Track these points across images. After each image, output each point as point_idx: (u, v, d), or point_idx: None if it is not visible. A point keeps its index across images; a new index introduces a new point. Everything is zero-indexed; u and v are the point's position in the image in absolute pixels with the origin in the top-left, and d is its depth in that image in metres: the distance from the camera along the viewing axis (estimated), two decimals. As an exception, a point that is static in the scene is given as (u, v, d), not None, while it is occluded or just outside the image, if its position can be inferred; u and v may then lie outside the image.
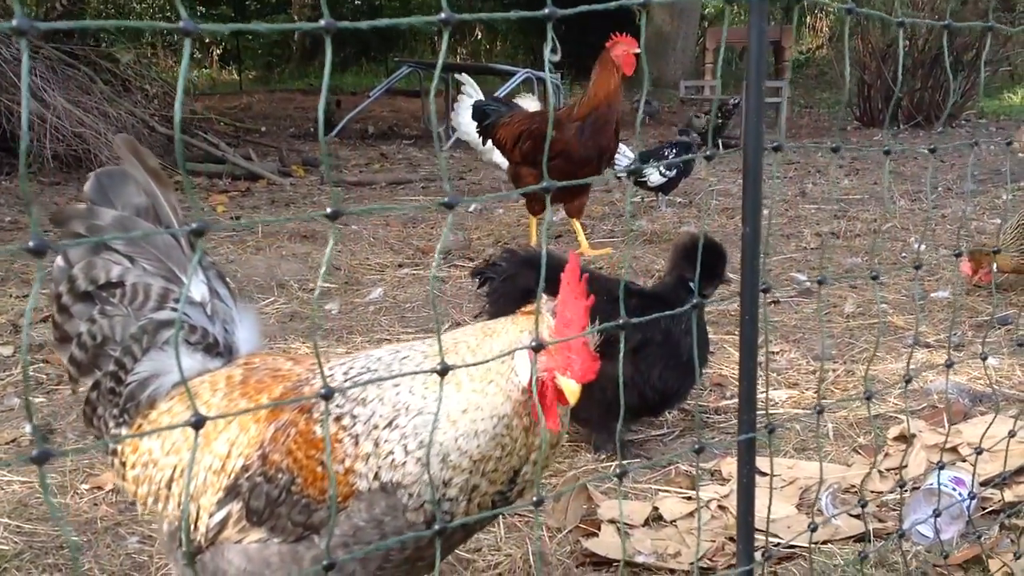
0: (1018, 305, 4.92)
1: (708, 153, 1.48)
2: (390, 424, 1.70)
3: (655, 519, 2.83)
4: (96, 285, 1.99)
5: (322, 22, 1.03)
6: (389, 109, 15.97)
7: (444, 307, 5.06)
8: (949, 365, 2.06)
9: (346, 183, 9.34)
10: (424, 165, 10.73)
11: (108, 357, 1.99)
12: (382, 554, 1.73)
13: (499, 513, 1.80)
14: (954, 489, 2.63)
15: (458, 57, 26.58)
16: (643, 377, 3.14)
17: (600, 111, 5.92)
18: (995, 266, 4.73)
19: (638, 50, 5.73)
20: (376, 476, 1.68)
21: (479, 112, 6.73)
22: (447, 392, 1.69)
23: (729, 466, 3.04)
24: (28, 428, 3.41)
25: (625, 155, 6.87)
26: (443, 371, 1.27)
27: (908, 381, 1.94)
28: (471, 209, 7.75)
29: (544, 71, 1.34)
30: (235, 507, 1.79)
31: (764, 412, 1.66)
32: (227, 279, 2.16)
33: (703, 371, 3.44)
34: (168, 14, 22.14)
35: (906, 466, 3.00)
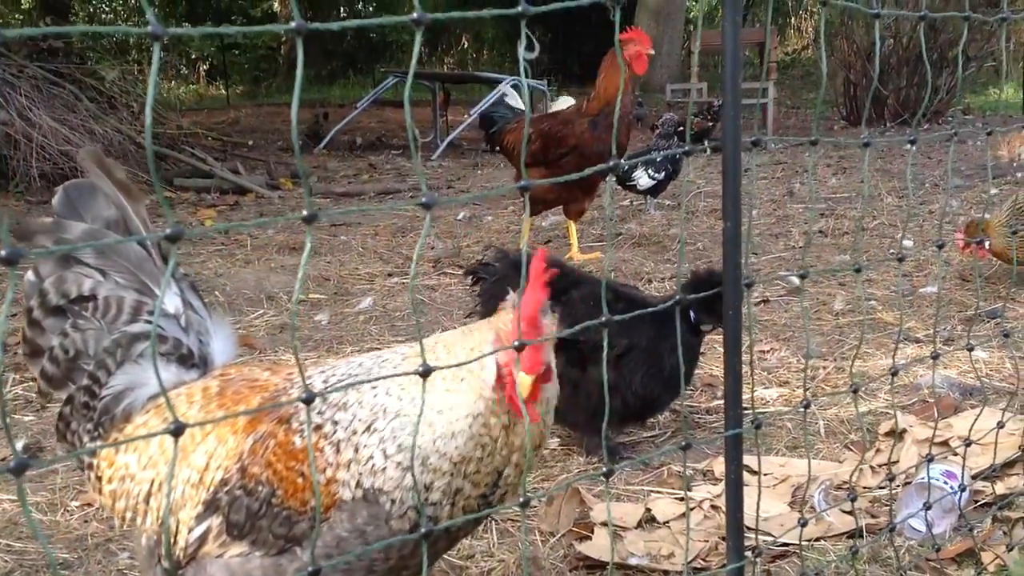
0: (1005, 298, 4.93)
1: (687, 148, 1.47)
2: (369, 428, 1.69)
3: (648, 521, 2.83)
4: (68, 299, 1.98)
5: (293, 23, 1.03)
6: (377, 120, 15.96)
7: (435, 314, 5.05)
8: (935, 357, 2.06)
9: (334, 194, 9.33)
10: (413, 175, 10.73)
11: (81, 371, 1.98)
12: (366, 564, 1.72)
13: (483, 517, 1.79)
14: (946, 482, 2.63)
15: (444, 67, 26.60)
16: (625, 382, 3.13)
17: (611, 107, 5.84)
18: (988, 243, 4.70)
19: (652, 51, 5.72)
20: (358, 483, 1.67)
21: (487, 120, 6.74)
22: (420, 393, 1.68)
23: (721, 466, 3.04)
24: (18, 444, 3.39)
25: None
26: (425, 373, 1.27)
27: (895, 374, 1.94)
28: (460, 217, 7.75)
29: (521, 71, 1.33)
30: (215, 521, 1.77)
31: (750, 408, 1.65)
32: (200, 290, 2.15)
33: (687, 387, 3.45)
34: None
35: (897, 461, 3.00)
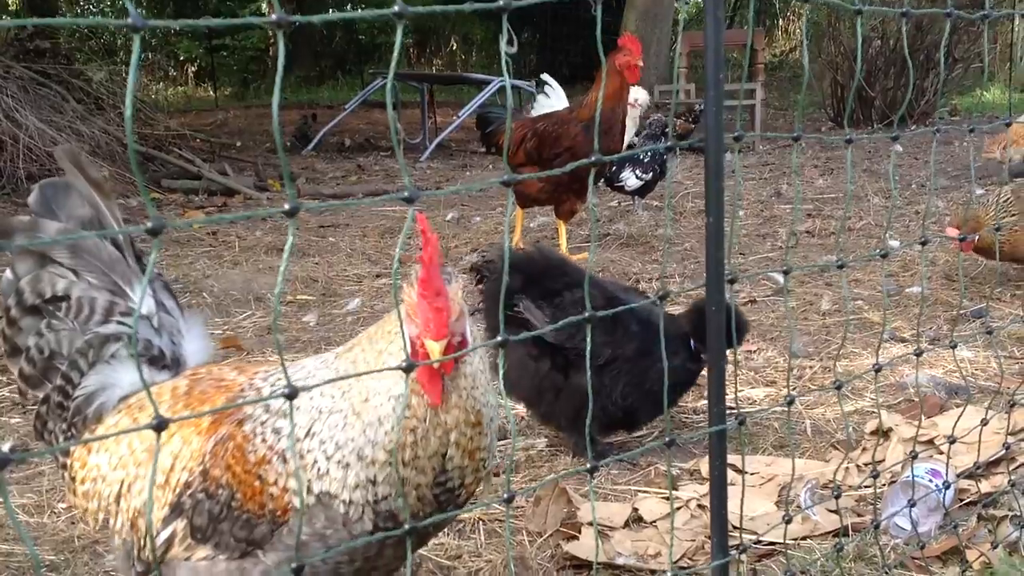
0: (990, 297, 4.95)
1: (670, 144, 1.47)
2: (309, 433, 1.68)
3: (636, 520, 2.83)
4: (43, 299, 1.98)
5: (273, 16, 1.03)
6: (365, 122, 15.94)
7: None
8: (918, 354, 2.06)
9: (323, 195, 9.33)
10: (401, 176, 10.72)
11: (56, 371, 1.98)
12: (331, 567, 1.71)
13: (451, 516, 1.77)
14: (931, 481, 2.64)
15: (434, 68, 26.59)
16: (607, 391, 3.12)
17: (604, 112, 5.91)
18: (976, 236, 4.71)
19: (640, 63, 5.79)
20: (309, 489, 1.66)
21: (482, 120, 6.76)
22: (349, 383, 1.67)
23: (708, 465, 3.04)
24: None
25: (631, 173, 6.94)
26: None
27: (878, 370, 1.95)
28: (449, 218, 7.75)
29: (503, 66, 1.33)
30: (180, 525, 1.77)
31: (735, 405, 1.66)
32: (173, 291, 2.15)
33: (671, 409, 3.45)
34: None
35: (882, 460, 3.00)
